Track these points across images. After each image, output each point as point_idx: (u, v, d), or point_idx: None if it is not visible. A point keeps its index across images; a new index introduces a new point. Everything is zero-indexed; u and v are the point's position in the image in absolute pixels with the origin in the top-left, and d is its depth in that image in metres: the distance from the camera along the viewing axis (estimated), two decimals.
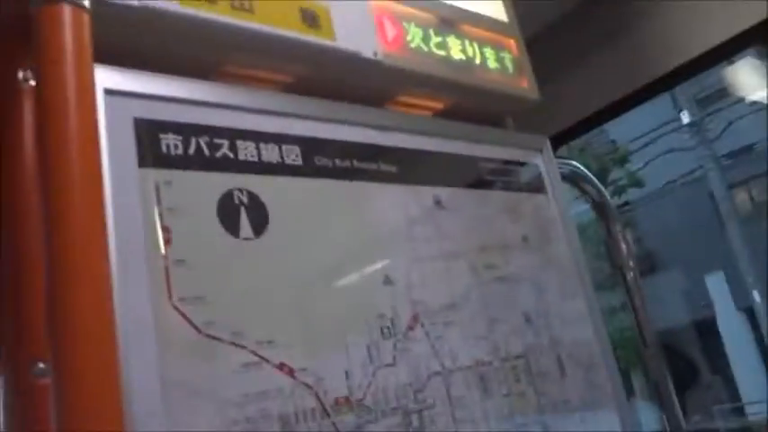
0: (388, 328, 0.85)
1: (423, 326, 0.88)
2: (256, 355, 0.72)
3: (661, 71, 1.44)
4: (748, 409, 7.37)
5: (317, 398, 0.75)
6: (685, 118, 8.61)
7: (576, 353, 1.08)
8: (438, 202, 0.98)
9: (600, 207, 1.40)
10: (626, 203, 8.35)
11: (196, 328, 0.69)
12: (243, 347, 0.71)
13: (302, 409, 0.73)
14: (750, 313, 8.07)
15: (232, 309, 0.72)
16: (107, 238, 0.62)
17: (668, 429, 1.33)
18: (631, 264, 1.43)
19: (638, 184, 8.40)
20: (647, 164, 8.54)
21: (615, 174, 8.36)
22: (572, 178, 1.39)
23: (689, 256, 8.20)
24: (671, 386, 1.42)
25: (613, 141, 8.67)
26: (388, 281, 0.87)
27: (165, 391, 0.64)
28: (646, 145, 8.66)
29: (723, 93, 8.51)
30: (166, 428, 0.63)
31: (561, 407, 1.01)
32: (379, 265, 0.86)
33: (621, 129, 8.40)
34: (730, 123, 8.48)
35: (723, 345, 8.15)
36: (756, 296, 7.71)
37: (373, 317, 0.83)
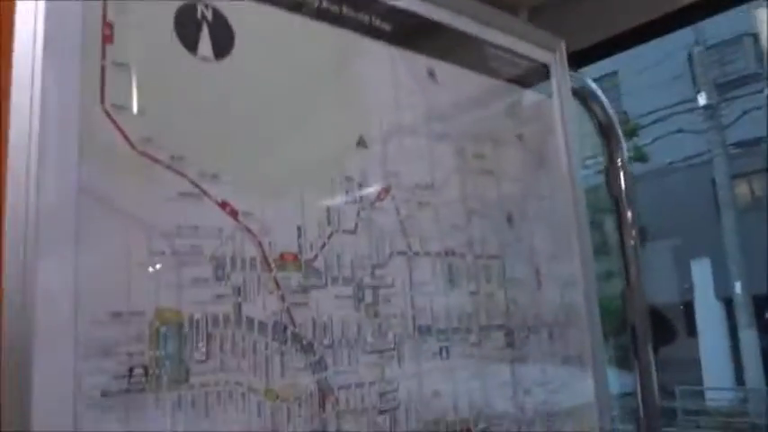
0: (354, 193, 0.75)
1: (393, 199, 0.79)
2: (197, 186, 0.62)
3: None
4: (709, 394, 7.47)
5: (261, 247, 0.66)
6: (702, 100, 8.41)
7: (555, 269, 0.99)
8: (431, 74, 0.87)
9: (606, 130, 1.29)
10: None
11: (129, 142, 0.59)
12: (182, 175, 0.62)
13: (241, 257, 0.64)
14: (728, 304, 8.09)
15: (176, 131, 0.62)
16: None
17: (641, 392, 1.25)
18: (628, 197, 1.33)
19: (642, 158, 8.26)
20: (654, 140, 8.39)
21: None
22: (581, 94, 1.27)
23: (679, 237, 8.14)
24: (651, 353, 1.33)
25: (625, 113, 8.49)
26: (362, 143, 0.77)
27: (80, 202, 0.54)
28: (656, 121, 8.49)
29: (745, 80, 8.30)
30: (73, 245, 0.53)
31: (531, 318, 0.92)
32: (353, 124, 0.76)
33: (635, 102, 8.22)
34: (745, 113, 8.30)
35: (696, 329, 8.19)
36: (738, 288, 7.71)
37: (339, 176, 0.74)
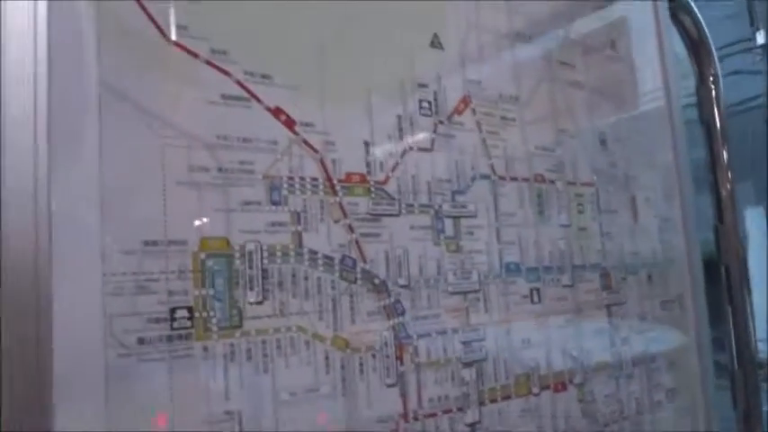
0: (429, 103, 0.63)
1: (474, 113, 0.66)
2: (244, 87, 0.50)
3: None
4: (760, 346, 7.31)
5: (323, 165, 0.54)
6: (760, 38, 7.96)
7: (652, 201, 0.85)
8: None
9: (696, 47, 1.12)
10: None
11: (160, 29, 0.47)
12: (226, 73, 0.50)
13: (300, 177, 0.52)
14: None
15: (217, 19, 0.50)
16: None
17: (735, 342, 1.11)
18: (722, 124, 1.16)
19: None
20: None
21: None
22: (671, 6, 1.10)
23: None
24: (747, 298, 1.17)
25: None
26: (436, 43, 0.63)
27: (103, 103, 0.43)
28: None
29: None
30: (95, 155, 0.42)
31: (628, 257, 0.79)
32: (425, 20, 0.62)
33: None
34: None
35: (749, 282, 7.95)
36: None
37: (410, 82, 0.61)
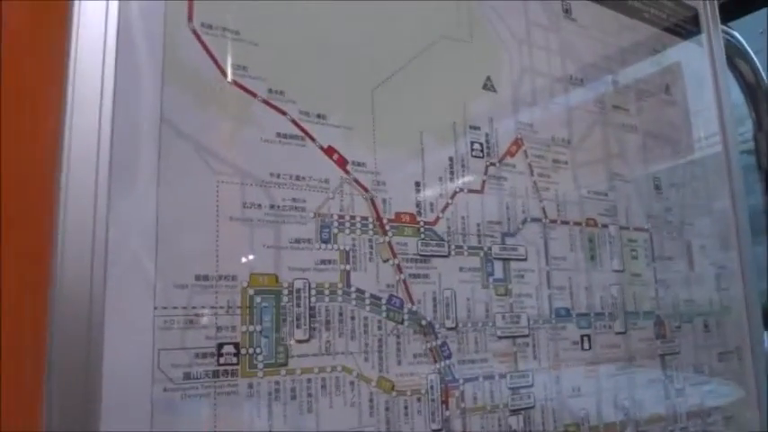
0: (481, 145, 0.61)
1: (526, 155, 0.64)
2: (299, 127, 0.50)
3: None
4: None
5: (373, 205, 0.53)
6: None
7: (709, 249, 0.81)
8: (567, 11, 0.71)
9: (753, 92, 1.09)
10: None
11: (221, 68, 0.47)
12: (282, 113, 0.49)
13: (350, 215, 0.51)
14: None
15: (276, 60, 0.50)
16: None
17: None
18: None
19: None
20: None
21: None
22: (727, 52, 1.07)
23: None
24: None
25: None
26: (489, 86, 0.62)
27: (163, 137, 0.43)
28: None
29: None
30: (153, 187, 0.42)
31: (683, 305, 0.75)
32: (480, 63, 0.62)
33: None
34: None
35: None
36: None
37: (462, 124, 0.60)
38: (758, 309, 0.85)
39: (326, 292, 0.50)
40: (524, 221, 0.63)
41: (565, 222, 0.67)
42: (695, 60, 0.90)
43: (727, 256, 0.85)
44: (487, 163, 0.62)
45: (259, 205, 0.48)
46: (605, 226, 0.70)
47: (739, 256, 0.85)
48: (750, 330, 0.84)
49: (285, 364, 0.47)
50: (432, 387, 0.54)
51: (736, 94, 1.18)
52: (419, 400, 0.53)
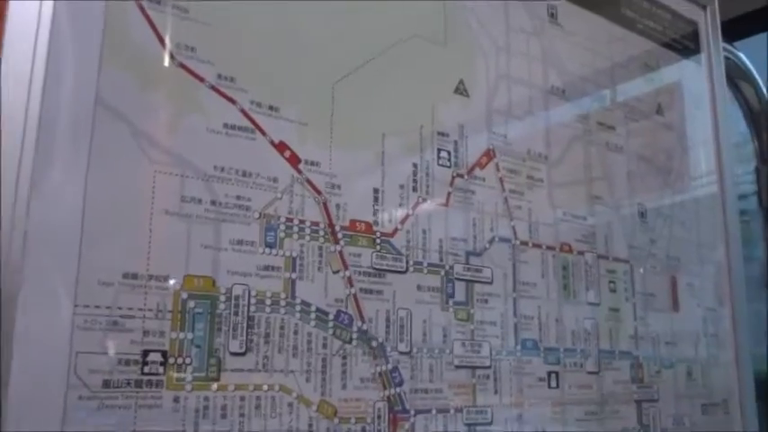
0: (449, 153, 0.67)
1: (497, 168, 0.70)
2: (249, 118, 0.55)
3: None
4: None
5: (326, 209, 0.58)
6: None
7: (697, 288, 0.88)
8: (553, 15, 0.78)
9: (757, 117, 1.17)
10: None
11: (166, 47, 0.51)
12: (231, 101, 0.54)
13: (299, 218, 0.55)
14: None
15: (229, 42, 0.54)
16: None
17: None
18: None
19: None
20: None
21: None
22: (727, 71, 1.16)
23: None
24: None
25: None
26: (462, 89, 0.68)
27: (97, 119, 0.47)
28: None
29: None
30: (82, 175, 0.46)
31: (664, 348, 0.81)
32: (452, 64, 0.67)
33: None
34: None
35: None
36: None
37: (429, 129, 0.65)
38: (748, 360, 0.91)
39: (268, 301, 0.54)
40: (492, 241, 0.68)
41: (537, 245, 0.72)
42: (694, 82, 0.97)
43: (717, 297, 0.91)
44: (455, 174, 0.67)
45: (199, 200, 0.52)
46: (581, 253, 0.76)
47: (731, 301, 0.92)
48: (740, 383, 0.90)
49: (217, 379, 0.50)
50: (379, 416, 0.58)
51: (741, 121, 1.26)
52: (364, 430, 0.57)
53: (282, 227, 0.55)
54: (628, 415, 0.77)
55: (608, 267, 0.78)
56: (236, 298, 0.52)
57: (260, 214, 0.54)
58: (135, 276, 0.48)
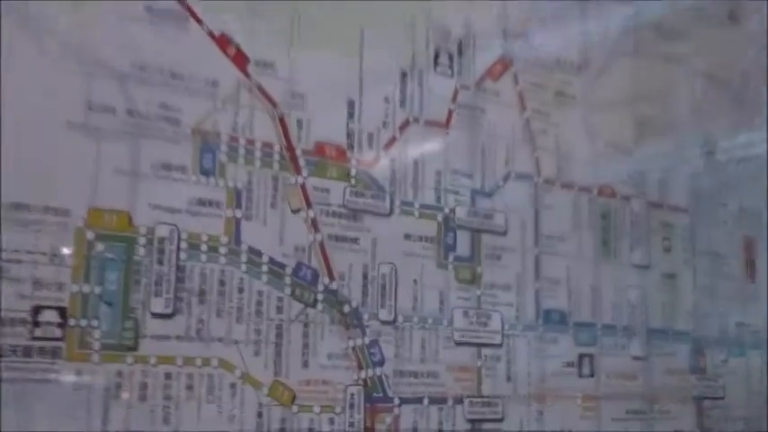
0: (450, 57, 0.68)
1: (516, 80, 0.71)
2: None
3: None
4: None
5: (282, 127, 0.58)
6: None
7: None
8: None
9: None
10: None
11: None
12: None
13: (247, 137, 0.56)
14: None
15: None
16: None
17: None
18: None
19: None
20: None
21: None
22: None
23: None
24: None
25: None
26: None
27: None
28: None
29: None
30: None
31: (733, 327, 0.82)
32: None
33: None
34: None
35: None
36: None
37: (424, 22, 0.67)
38: None
39: (204, 247, 0.54)
40: (507, 177, 0.69)
41: (567, 186, 0.73)
42: None
43: None
44: (458, 85, 0.67)
45: (112, 109, 0.52)
46: (626, 198, 0.77)
47: None
48: None
49: (134, 348, 0.51)
50: (351, 405, 0.59)
51: None
52: (331, 421, 0.58)
53: (224, 148, 0.55)
54: (683, 416, 0.78)
55: (662, 219, 0.79)
56: (161, 241, 0.52)
57: (193, 130, 0.54)
58: (25, 208, 0.48)
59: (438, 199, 0.65)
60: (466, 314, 0.65)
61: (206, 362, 0.53)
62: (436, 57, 0.66)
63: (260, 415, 0.55)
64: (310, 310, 0.58)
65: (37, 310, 0.48)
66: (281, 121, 0.58)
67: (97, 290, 0.50)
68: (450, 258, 0.65)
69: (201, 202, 0.54)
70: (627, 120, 0.77)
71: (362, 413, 0.59)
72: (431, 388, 0.63)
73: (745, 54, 0.91)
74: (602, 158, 0.74)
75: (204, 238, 0.54)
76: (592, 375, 0.71)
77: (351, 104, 0.61)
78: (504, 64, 0.70)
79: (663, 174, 0.79)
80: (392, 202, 0.62)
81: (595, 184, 0.74)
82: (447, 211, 0.65)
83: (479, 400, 0.65)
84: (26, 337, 0.48)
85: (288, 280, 0.57)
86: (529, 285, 0.69)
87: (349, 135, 0.61)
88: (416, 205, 0.64)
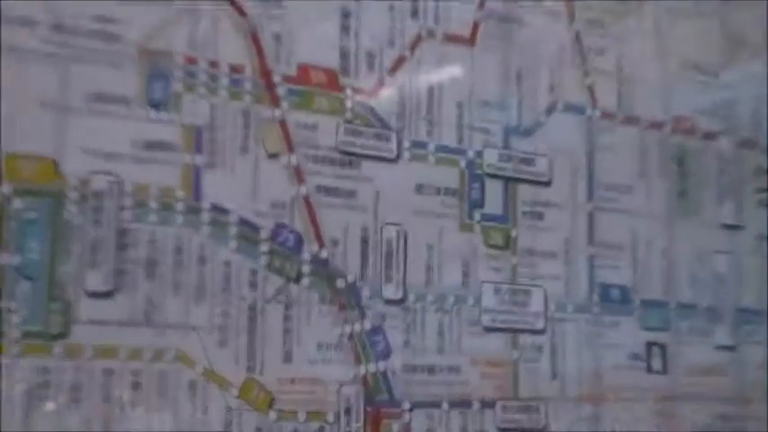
0: None
1: None
2: None
3: None
4: None
5: (255, 44, 0.59)
6: None
7: None
8: None
9: None
10: None
11: None
12: None
13: (208, 58, 0.57)
14: None
15: None
16: None
17: None
18: None
19: None
20: None
21: None
22: None
23: None
24: None
25: None
26: None
27: None
28: None
29: None
30: None
31: None
32: None
33: None
34: None
35: None
36: None
37: None
38: None
39: (154, 204, 0.56)
40: (552, 109, 0.70)
41: (632, 120, 0.74)
42: None
43: None
44: None
45: (32, 22, 0.53)
46: (711, 136, 0.78)
47: None
48: None
49: (64, 336, 0.52)
50: (348, 411, 0.61)
51: None
52: (321, 430, 0.59)
53: (180, 73, 0.57)
54: None
55: (758, 163, 0.79)
56: (98, 196, 0.54)
57: (139, 49, 0.55)
58: None
59: (460, 139, 0.66)
60: (497, 291, 0.66)
61: (158, 355, 0.55)
62: None
63: (228, 423, 0.57)
64: (293, 287, 0.59)
65: None
66: (254, 37, 0.59)
67: (14, 260, 0.51)
68: (477, 217, 0.66)
69: (150, 145, 0.56)
70: (712, 32, 0.77)
71: (362, 421, 0.61)
72: (451, 388, 0.64)
73: None
74: (679, 84, 0.75)
75: (154, 192, 0.56)
76: (664, 370, 0.72)
77: (345, 14, 0.63)
78: None
79: (758, 104, 0.79)
80: (400, 144, 0.64)
81: (669, 117, 0.74)
82: (472, 154, 0.66)
83: (515, 403, 0.67)
84: None
85: (264, 247, 0.59)
86: (581, 253, 0.70)
87: (343, 55, 0.62)
88: (432, 147, 0.65)
